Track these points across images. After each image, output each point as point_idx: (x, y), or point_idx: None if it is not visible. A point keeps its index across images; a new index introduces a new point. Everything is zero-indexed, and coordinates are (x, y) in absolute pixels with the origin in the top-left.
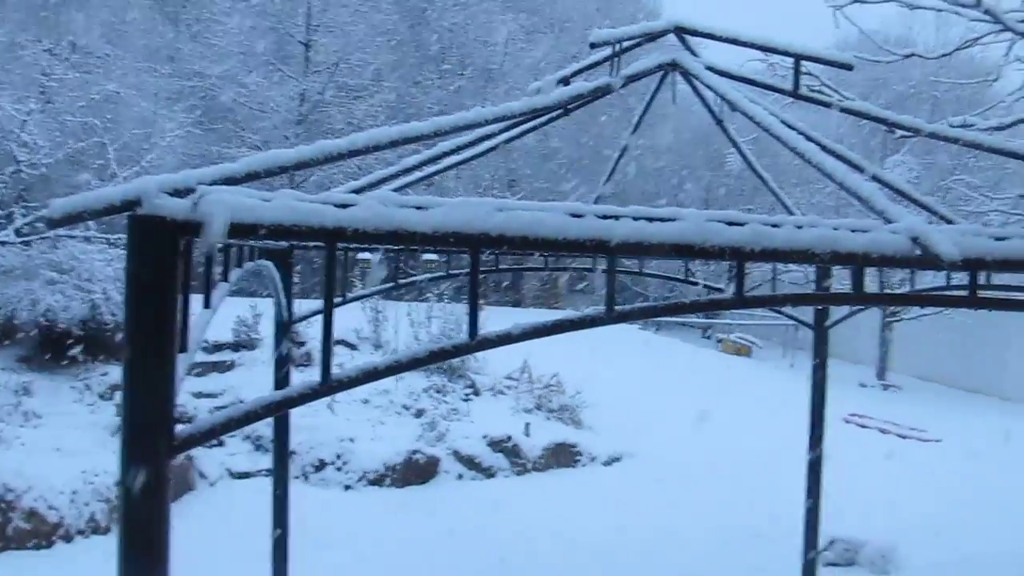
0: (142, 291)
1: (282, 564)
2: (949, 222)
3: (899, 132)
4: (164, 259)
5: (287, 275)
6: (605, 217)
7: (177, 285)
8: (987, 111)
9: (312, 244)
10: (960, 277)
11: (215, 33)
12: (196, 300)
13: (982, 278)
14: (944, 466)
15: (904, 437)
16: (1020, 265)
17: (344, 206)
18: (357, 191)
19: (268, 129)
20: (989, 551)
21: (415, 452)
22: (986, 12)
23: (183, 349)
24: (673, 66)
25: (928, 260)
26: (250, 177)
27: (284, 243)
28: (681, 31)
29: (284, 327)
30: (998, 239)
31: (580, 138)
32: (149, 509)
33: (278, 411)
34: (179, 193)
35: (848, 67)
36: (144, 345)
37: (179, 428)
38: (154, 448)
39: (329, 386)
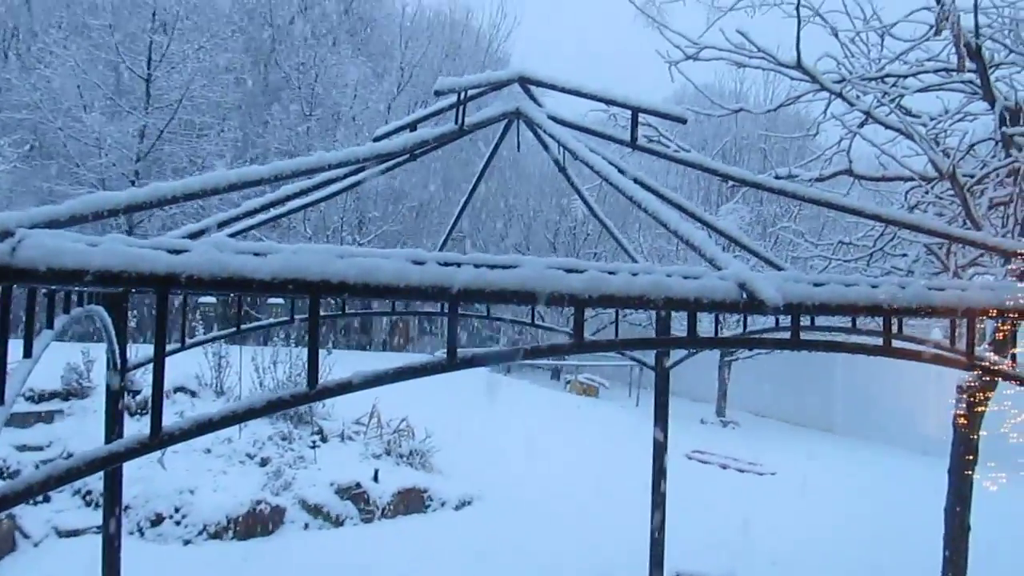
0: None
1: None
2: (777, 267)
3: (730, 182)
4: None
5: (121, 320)
6: (447, 264)
7: None
8: (810, 162)
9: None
10: (787, 319)
11: (48, 64)
12: (17, 346)
13: (806, 320)
14: (779, 498)
15: (742, 471)
16: (836, 309)
17: (177, 252)
18: (195, 234)
19: (105, 166)
20: None
21: (259, 502)
22: (805, 72)
23: None
24: (517, 115)
25: (754, 305)
26: (75, 220)
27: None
28: (525, 81)
29: (117, 375)
30: (817, 285)
31: (431, 180)
32: None
33: (104, 467)
34: None
35: (682, 120)
36: None
37: None
38: None
39: (160, 439)
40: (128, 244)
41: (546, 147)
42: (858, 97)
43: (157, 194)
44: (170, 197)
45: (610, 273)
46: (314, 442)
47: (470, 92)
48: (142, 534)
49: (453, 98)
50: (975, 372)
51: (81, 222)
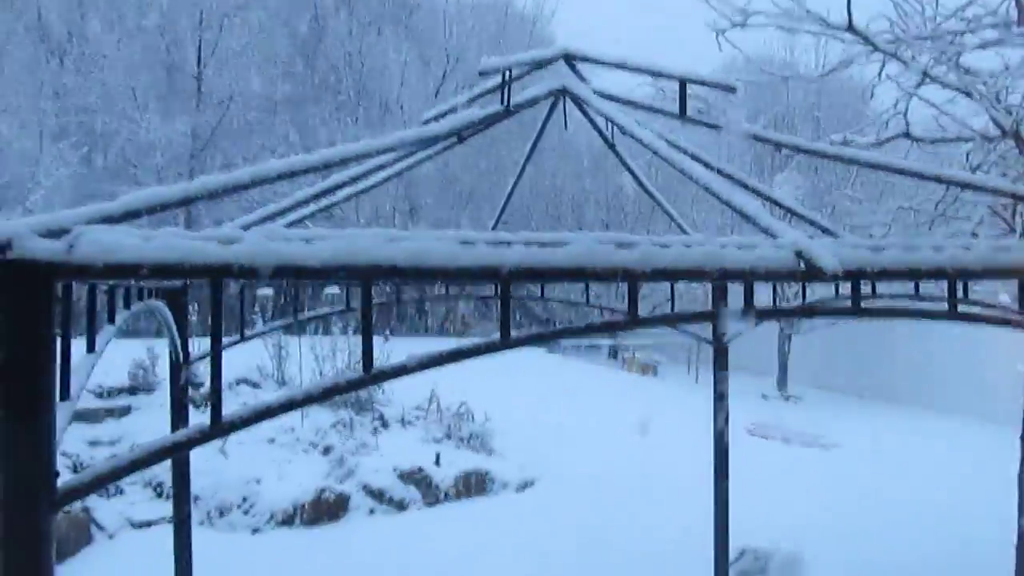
0: (15, 337)
1: None
2: (833, 235)
3: (784, 150)
4: (38, 303)
5: (181, 313)
6: (497, 244)
7: (53, 330)
8: (865, 128)
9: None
10: (847, 288)
11: (102, 67)
12: (81, 344)
13: (867, 288)
14: (844, 471)
15: (806, 446)
16: (898, 274)
17: (229, 242)
18: (247, 226)
19: (160, 165)
20: (890, 555)
21: (324, 489)
22: (858, 34)
23: (64, 397)
24: (563, 92)
25: (812, 273)
26: (129, 215)
27: (176, 281)
28: (570, 58)
29: (178, 368)
30: (876, 250)
31: (480, 164)
32: (32, 569)
33: (166, 457)
34: (54, 234)
35: (731, 89)
36: (19, 394)
37: (62, 481)
38: (34, 503)
39: (220, 427)
40: (181, 237)
41: (594, 124)
42: (913, 58)
43: (207, 187)
44: (220, 190)
45: (663, 246)
46: (375, 428)
47: (515, 71)
48: (211, 523)
49: (498, 79)
50: None
51: (135, 217)
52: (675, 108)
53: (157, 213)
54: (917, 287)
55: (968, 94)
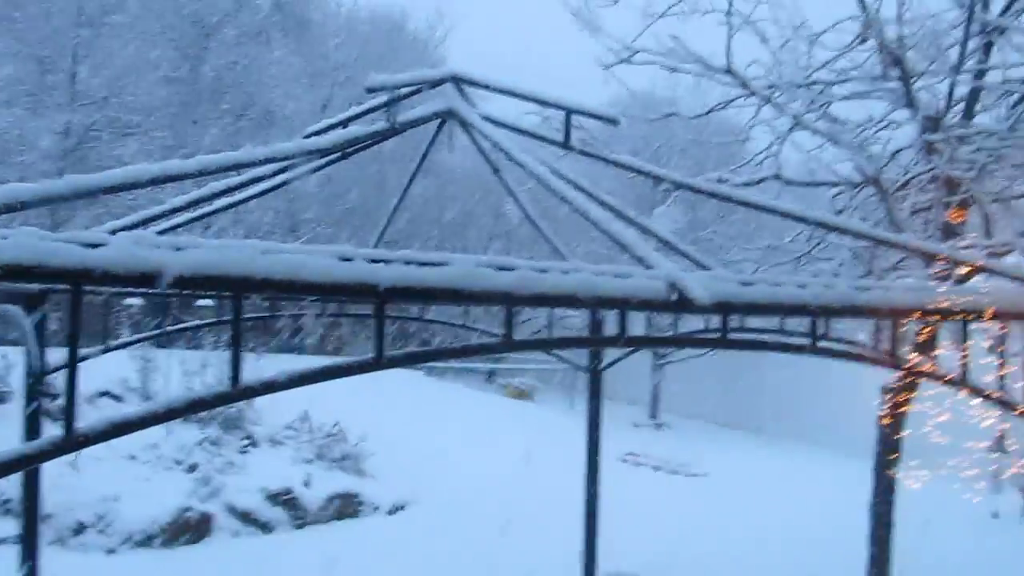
0: None
1: None
2: (706, 269)
3: (662, 184)
4: None
5: (39, 321)
6: (375, 261)
7: None
8: (740, 167)
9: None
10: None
11: None
12: None
13: (736, 322)
14: (711, 499)
15: (674, 473)
16: (765, 308)
17: (93, 246)
18: (115, 231)
19: (27, 164)
20: None
21: (187, 509)
22: (736, 77)
23: None
24: (450, 114)
25: (683, 304)
26: None
27: (35, 285)
28: (458, 80)
29: (36, 378)
30: (745, 284)
31: (366, 183)
32: None
33: (14, 470)
34: None
35: (614, 122)
36: None
37: None
38: None
39: (75, 440)
40: (39, 237)
41: (479, 148)
42: (787, 103)
43: (73, 187)
44: (87, 191)
45: (541, 271)
46: (244, 447)
47: (402, 90)
48: (63, 543)
49: (386, 97)
50: (899, 373)
51: None
52: (560, 138)
53: (17, 211)
54: (782, 322)
55: (836, 142)
